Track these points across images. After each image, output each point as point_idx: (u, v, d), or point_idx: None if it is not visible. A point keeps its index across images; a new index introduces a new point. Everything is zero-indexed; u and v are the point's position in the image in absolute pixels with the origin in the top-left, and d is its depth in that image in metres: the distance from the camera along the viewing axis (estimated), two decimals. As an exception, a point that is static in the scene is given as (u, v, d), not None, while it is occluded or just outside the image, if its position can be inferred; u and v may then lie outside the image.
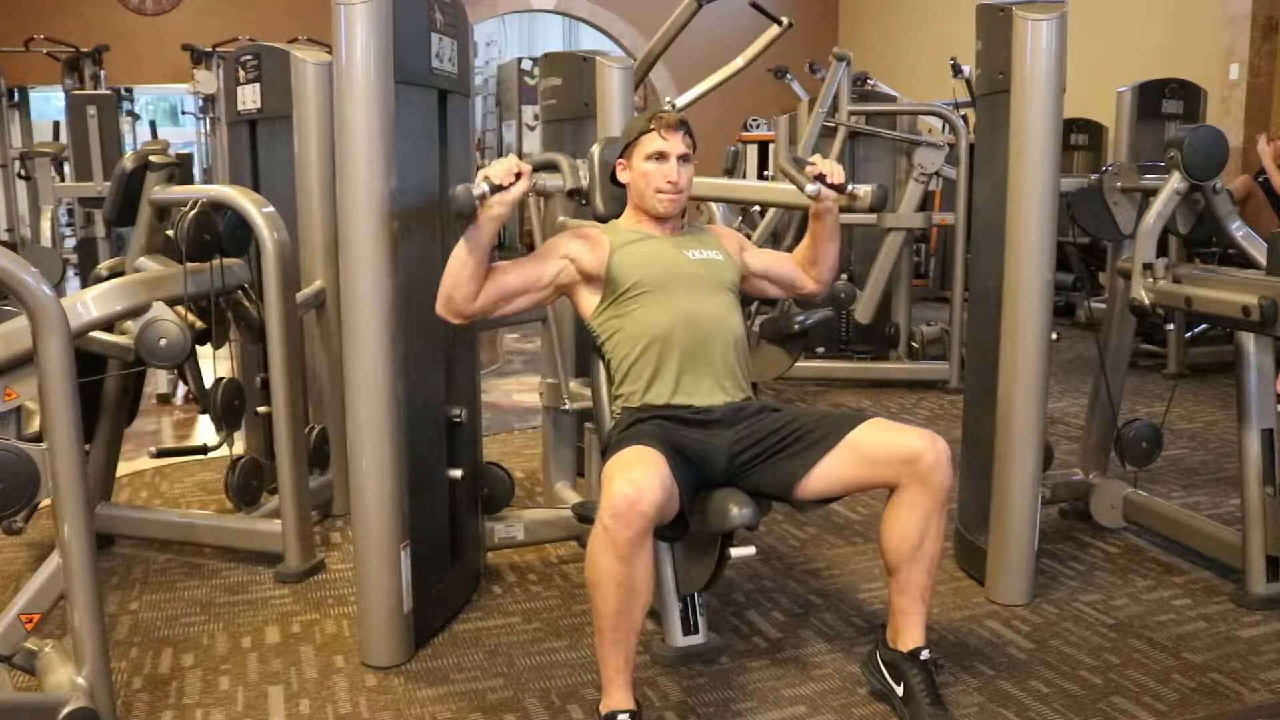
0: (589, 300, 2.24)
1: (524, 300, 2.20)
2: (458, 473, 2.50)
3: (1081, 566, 2.82)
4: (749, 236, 4.56)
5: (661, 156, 2.21)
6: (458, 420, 2.50)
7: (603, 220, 2.37)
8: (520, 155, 2.19)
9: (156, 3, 9.53)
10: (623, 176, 2.29)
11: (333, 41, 2.10)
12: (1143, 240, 2.65)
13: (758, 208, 5.34)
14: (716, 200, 3.58)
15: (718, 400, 2.14)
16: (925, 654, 2.02)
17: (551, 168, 2.32)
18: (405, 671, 2.25)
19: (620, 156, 2.29)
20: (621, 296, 2.18)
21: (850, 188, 2.22)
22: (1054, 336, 2.52)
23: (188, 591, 2.69)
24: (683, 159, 2.23)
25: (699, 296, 2.18)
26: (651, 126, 2.22)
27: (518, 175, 2.01)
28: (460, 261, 2.06)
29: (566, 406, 2.87)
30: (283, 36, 6.38)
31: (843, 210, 2.29)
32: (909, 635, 2.03)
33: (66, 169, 6.00)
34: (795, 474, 2.03)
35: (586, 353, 2.48)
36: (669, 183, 2.21)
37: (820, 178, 2.18)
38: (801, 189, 2.21)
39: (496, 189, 2.00)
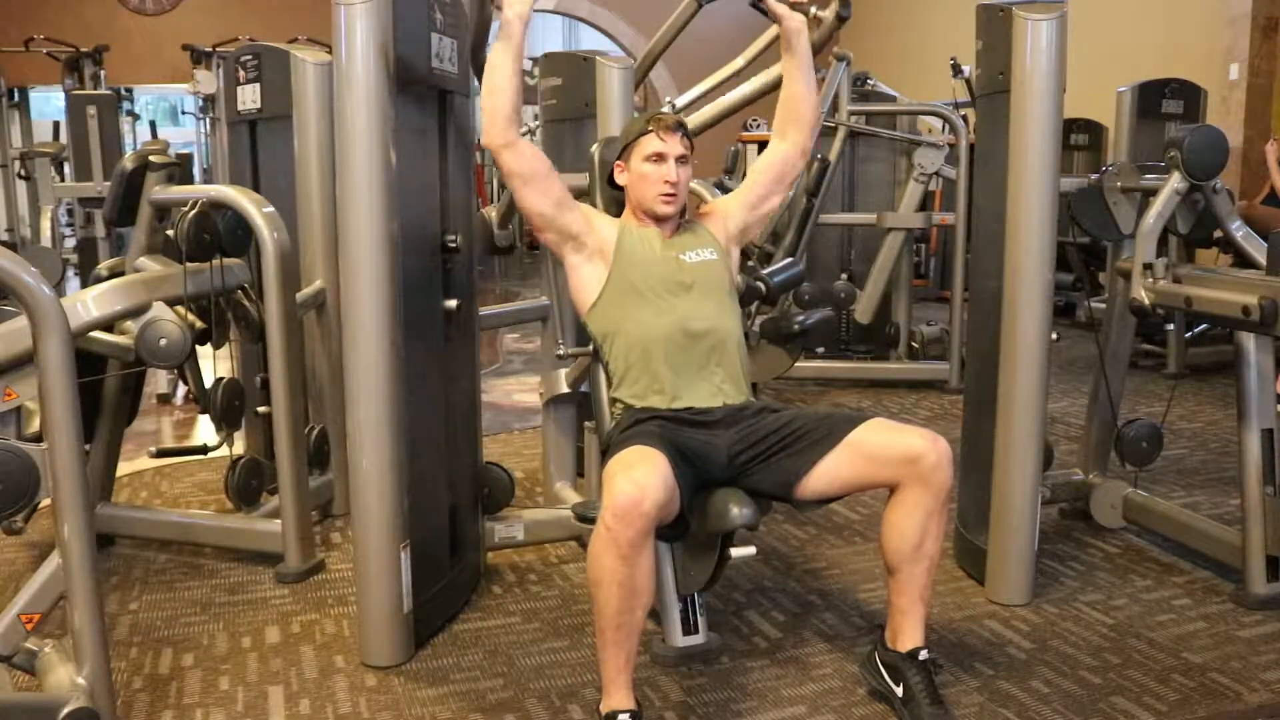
0: (588, 282, 2.23)
1: (541, 192, 2.17)
2: (453, 302, 2.46)
3: (1081, 566, 2.82)
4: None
5: (660, 158, 2.21)
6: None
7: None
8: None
9: (156, 3, 9.54)
10: (620, 178, 2.29)
11: (333, 41, 2.10)
12: (1143, 240, 2.65)
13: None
14: (711, 122, 3.54)
15: (717, 403, 2.14)
16: (924, 654, 2.02)
17: None
18: (405, 671, 2.25)
19: (618, 158, 2.29)
20: (619, 295, 2.19)
21: (813, 10, 2.22)
22: (1054, 336, 2.52)
23: (188, 591, 2.69)
24: (680, 160, 2.23)
25: (697, 300, 2.18)
26: (649, 128, 2.22)
27: None
28: (497, 70, 2.08)
29: (562, 351, 2.81)
30: (283, 36, 6.38)
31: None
32: (908, 636, 2.03)
33: (66, 169, 6.00)
34: (796, 474, 2.03)
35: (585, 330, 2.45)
36: (667, 183, 2.21)
37: None
38: (766, 14, 2.21)
39: None
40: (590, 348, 2.35)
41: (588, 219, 2.24)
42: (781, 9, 2.21)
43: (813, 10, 2.20)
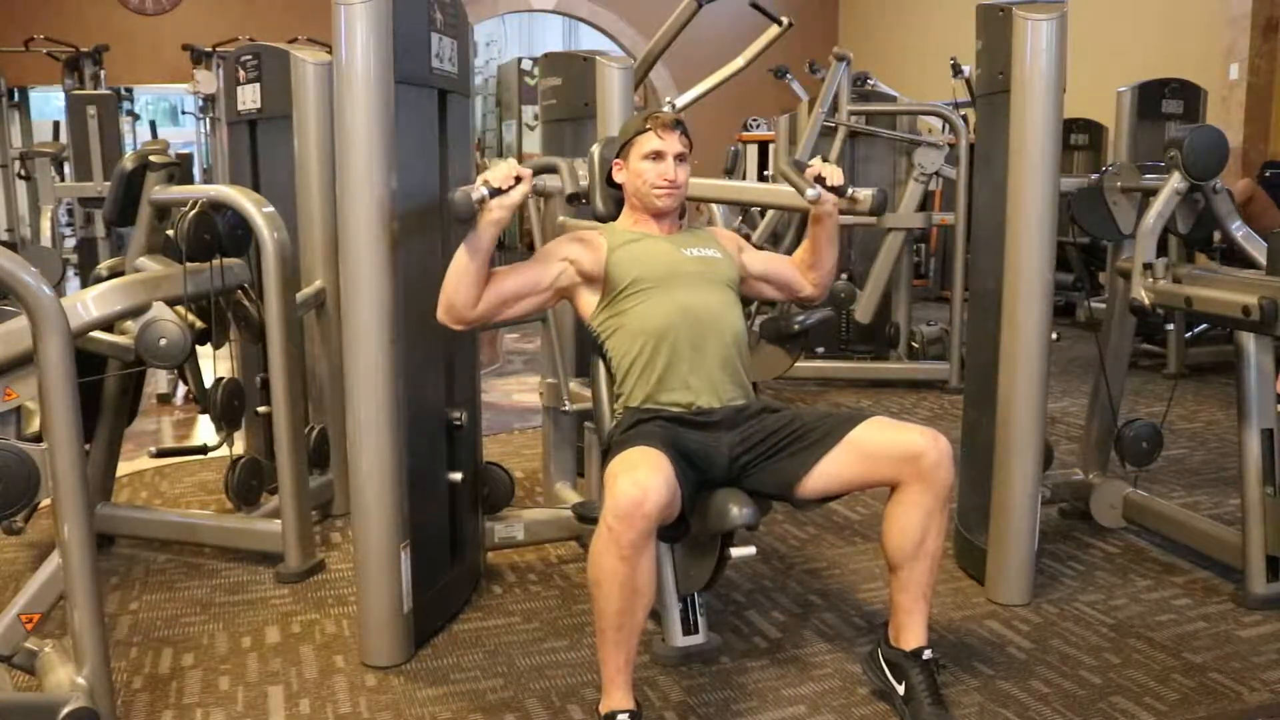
0: (589, 301, 2.24)
1: (525, 304, 2.19)
2: (458, 475, 2.50)
3: (1081, 566, 2.82)
4: (749, 237, 4.56)
5: (658, 156, 2.21)
6: (458, 423, 2.50)
7: (603, 220, 2.37)
8: (520, 155, 2.19)
9: (156, 3, 9.53)
10: (619, 177, 2.30)
11: (333, 41, 2.10)
12: (1143, 240, 2.65)
13: (757, 209, 5.33)
14: (716, 201, 3.58)
15: (718, 399, 2.14)
16: (927, 654, 2.02)
17: (551, 171, 2.32)
18: (405, 671, 2.25)
19: (617, 157, 2.29)
20: (620, 295, 2.18)
21: (850, 191, 2.22)
22: (1054, 336, 2.52)
23: (188, 591, 2.69)
24: (679, 158, 2.23)
25: (698, 292, 2.18)
26: (648, 126, 2.22)
27: (517, 179, 2.00)
28: (461, 267, 2.05)
29: (567, 408, 2.87)
30: (283, 36, 6.37)
31: (842, 212, 2.29)
32: (911, 634, 2.03)
33: (66, 169, 6.00)
34: (797, 473, 2.03)
35: (586, 353, 2.48)
36: (666, 180, 2.21)
37: (820, 180, 2.18)
38: (801, 193, 2.20)
39: (496, 192, 1.98)
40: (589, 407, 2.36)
41: (570, 258, 2.22)
42: (827, 196, 2.20)
43: (850, 190, 2.21)
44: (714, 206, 3.06)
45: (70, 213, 6.56)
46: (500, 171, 2.00)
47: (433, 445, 2.44)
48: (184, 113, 10.02)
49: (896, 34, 10.07)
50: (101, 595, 1.83)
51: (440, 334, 2.42)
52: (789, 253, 2.49)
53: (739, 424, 2.11)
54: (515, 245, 10.63)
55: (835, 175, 2.19)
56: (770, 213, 4.98)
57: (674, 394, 2.13)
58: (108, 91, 5.92)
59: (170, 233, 2.71)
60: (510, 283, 2.15)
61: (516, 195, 2.01)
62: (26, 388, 2.03)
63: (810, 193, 2.18)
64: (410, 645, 2.30)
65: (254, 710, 2.11)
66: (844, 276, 5.30)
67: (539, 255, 2.27)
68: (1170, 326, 4.88)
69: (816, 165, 2.21)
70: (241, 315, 2.85)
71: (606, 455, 2.08)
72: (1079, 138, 6.60)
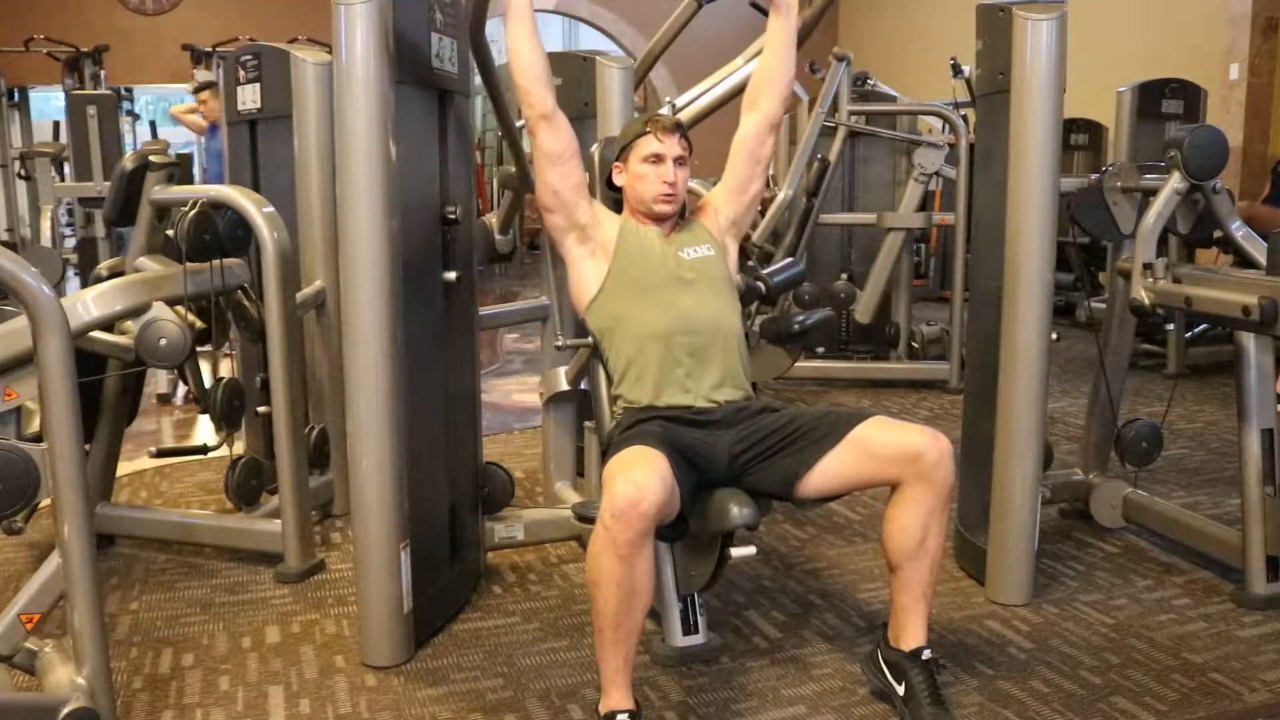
0: (588, 278, 2.23)
1: (564, 174, 2.18)
2: (453, 275, 2.45)
3: (1081, 566, 2.82)
4: (749, 237, 4.55)
5: (658, 159, 2.22)
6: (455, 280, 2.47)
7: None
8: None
9: (156, 3, 9.53)
10: (619, 179, 2.30)
11: (333, 41, 2.10)
12: (1143, 240, 2.65)
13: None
14: (705, 113, 3.53)
15: (718, 400, 2.14)
16: (927, 654, 2.02)
17: None
18: (405, 671, 2.25)
19: (616, 159, 2.30)
20: (619, 291, 2.19)
21: None
22: (1054, 336, 2.52)
23: (188, 591, 2.69)
24: (679, 161, 2.23)
25: (696, 295, 2.18)
26: (647, 129, 2.23)
27: None
28: (517, 40, 2.12)
29: (560, 342, 2.80)
30: (283, 36, 6.38)
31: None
32: (911, 634, 2.03)
33: (66, 169, 6.00)
34: (797, 472, 2.03)
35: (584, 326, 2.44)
36: (665, 184, 2.21)
37: None
38: None
39: None
40: (589, 339, 2.34)
41: (595, 213, 2.25)
42: None
43: None
44: (700, 187, 3.06)
45: (70, 213, 6.56)
46: None
47: (433, 446, 2.43)
48: (184, 113, 10.00)
49: (896, 34, 10.07)
50: (101, 595, 1.83)
51: (440, 334, 2.43)
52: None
53: (738, 422, 2.11)
54: (516, 246, 10.62)
55: None
56: (770, 211, 4.98)
57: (673, 397, 2.13)
58: (108, 91, 5.92)
59: (170, 233, 2.71)
60: (573, 141, 2.18)
61: None
62: (26, 388, 2.03)
63: None
64: (410, 645, 2.30)
65: (254, 710, 2.11)
66: (844, 276, 5.31)
67: None
68: (1170, 326, 4.88)
69: None
70: (241, 315, 2.85)
71: (605, 455, 2.08)
72: (1079, 138, 6.60)
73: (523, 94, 2.13)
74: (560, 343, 2.80)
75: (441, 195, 2.41)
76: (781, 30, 2.28)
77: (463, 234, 2.51)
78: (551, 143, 2.16)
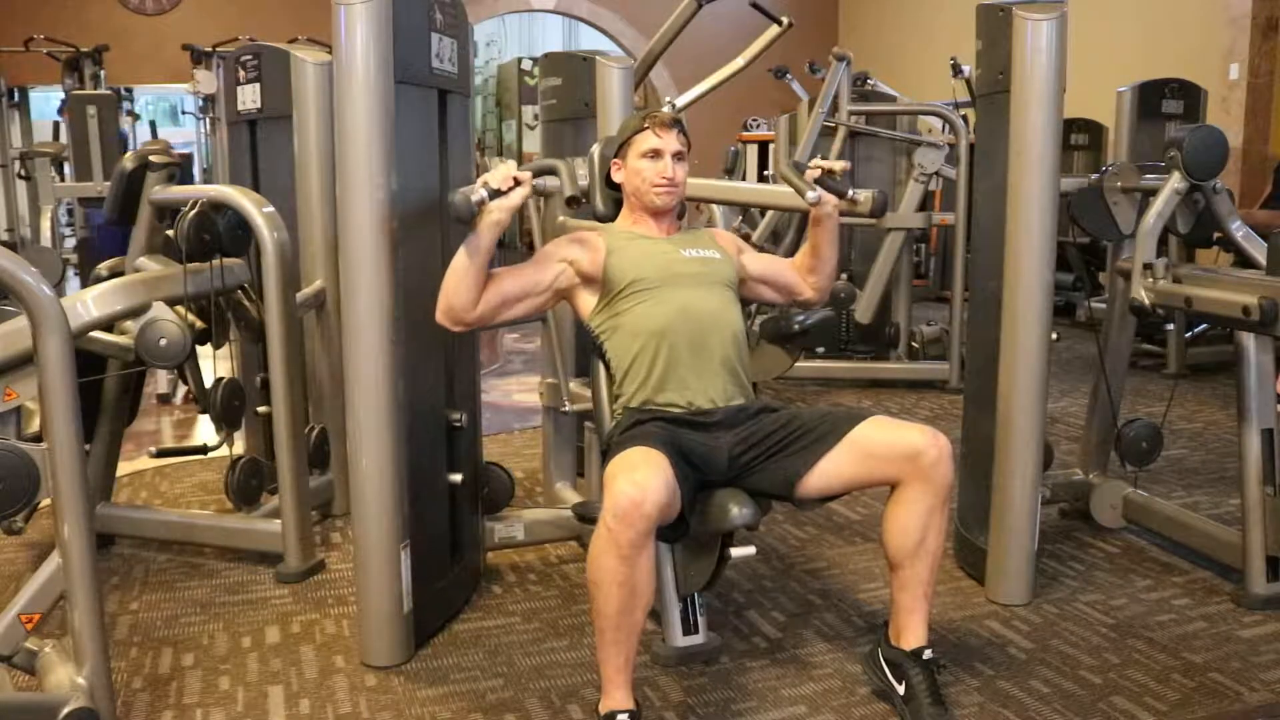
0: (587, 302, 2.24)
1: (524, 306, 2.19)
2: (458, 477, 2.49)
3: (1081, 566, 2.82)
4: (749, 236, 4.56)
5: (656, 154, 2.22)
6: (458, 424, 2.50)
7: (603, 220, 2.37)
8: (520, 155, 2.19)
9: (156, 3, 9.53)
10: (617, 176, 2.30)
11: (333, 41, 2.10)
12: (1143, 240, 2.65)
13: (756, 210, 5.33)
14: (716, 202, 3.58)
15: (718, 399, 2.14)
16: (928, 654, 2.02)
17: (551, 173, 2.32)
18: (405, 671, 2.25)
19: (615, 156, 2.29)
20: (619, 295, 2.18)
21: (851, 193, 2.22)
22: (1054, 336, 2.52)
23: (188, 591, 2.69)
24: (677, 157, 2.23)
25: (696, 292, 2.18)
26: (646, 125, 2.23)
27: (516, 182, 2.01)
28: (460, 269, 2.05)
29: (567, 408, 2.87)
30: (283, 36, 6.37)
31: (842, 213, 2.29)
32: (912, 634, 2.03)
33: (66, 169, 6.00)
34: (797, 472, 2.03)
35: (587, 353, 2.48)
36: (664, 178, 2.21)
37: (821, 181, 2.18)
38: (802, 195, 2.19)
39: (495, 194, 1.99)
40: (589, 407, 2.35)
41: (569, 259, 2.23)
42: (828, 198, 2.20)
43: (850, 193, 2.22)
44: (714, 206, 3.05)
45: (70, 213, 6.56)
46: (499, 174, 2.00)
47: (433, 445, 2.43)
48: (184, 113, 10.01)
49: (896, 34, 10.07)
50: (101, 595, 1.83)
51: (440, 334, 2.42)
52: (790, 253, 2.49)
53: (738, 424, 2.11)
54: (515, 245, 10.64)
55: (838, 167, 2.20)
56: (770, 212, 4.99)
57: (673, 394, 2.13)
58: (108, 91, 5.92)
59: (170, 233, 2.71)
60: (509, 284, 2.15)
61: (515, 198, 2.01)
62: (26, 388, 2.03)
63: (810, 195, 2.18)
64: (410, 645, 2.30)
65: (254, 710, 2.11)
66: (844, 276, 5.30)
67: (538, 257, 2.27)
68: (1170, 326, 4.88)
69: (818, 162, 2.21)
70: (241, 315, 2.85)
71: (606, 456, 2.08)
72: (1079, 138, 6.60)
73: (441, 309, 2.09)
74: (567, 408, 2.83)
75: (441, 195, 2.41)
76: (822, 242, 2.31)
77: (463, 233, 2.50)
78: (493, 318, 2.14)
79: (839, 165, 2.20)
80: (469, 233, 2.04)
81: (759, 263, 2.41)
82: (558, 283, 2.22)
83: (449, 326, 2.12)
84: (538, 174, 2.25)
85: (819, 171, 2.19)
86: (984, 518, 2.60)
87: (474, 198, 1.97)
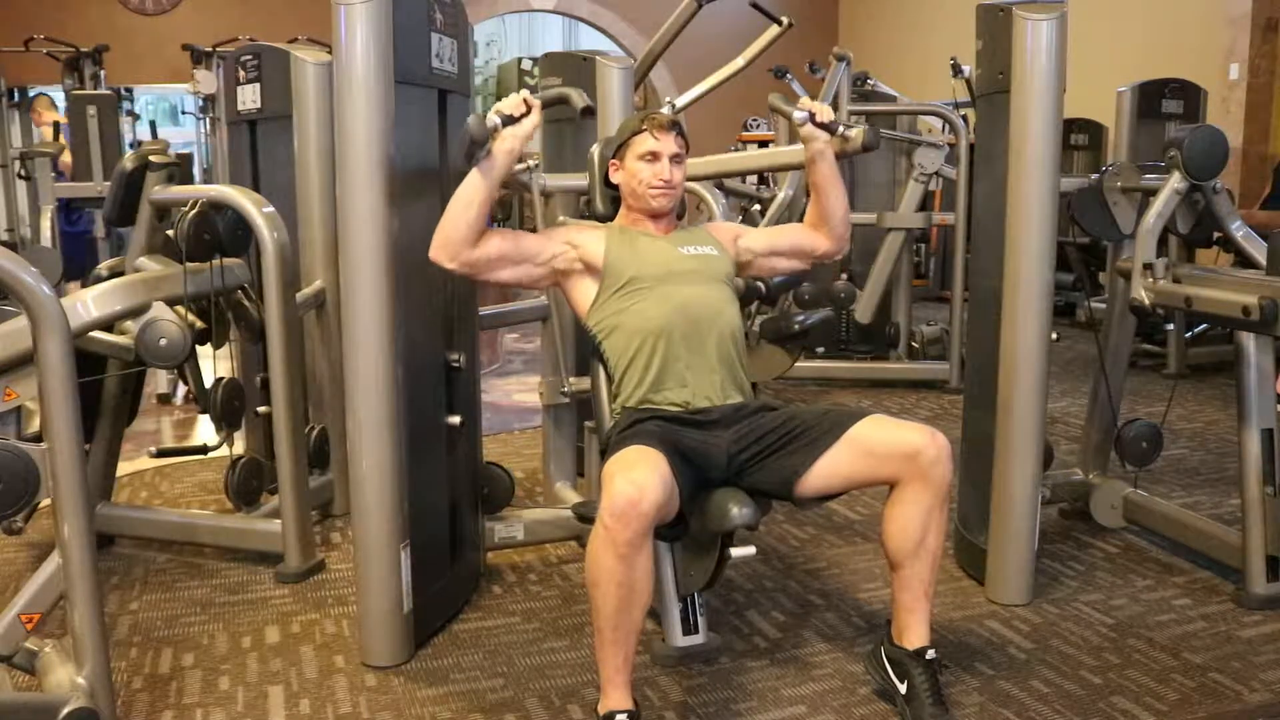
0: (585, 295, 2.24)
1: (519, 270, 2.18)
2: (456, 419, 2.47)
3: (1081, 566, 2.82)
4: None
5: (654, 156, 2.22)
6: (456, 364, 2.48)
7: (602, 220, 2.38)
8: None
9: (156, 3, 9.53)
10: (615, 177, 2.30)
11: (333, 41, 2.10)
12: (1143, 240, 2.65)
13: (757, 207, 5.33)
14: (718, 175, 3.54)
15: (715, 398, 2.14)
16: (931, 654, 2.02)
17: (561, 101, 2.33)
18: (405, 671, 2.25)
19: (613, 157, 2.30)
20: (617, 293, 2.19)
21: (840, 129, 2.22)
22: (1054, 336, 2.52)
23: (188, 591, 2.69)
24: (675, 159, 2.23)
25: (694, 289, 2.18)
26: (644, 127, 2.23)
27: (528, 108, 2.03)
28: (465, 199, 2.05)
29: (566, 389, 2.83)
30: (283, 36, 6.37)
31: (839, 157, 2.28)
32: (914, 633, 2.03)
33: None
34: (796, 471, 2.03)
35: (586, 352, 2.47)
36: (661, 180, 2.21)
37: (811, 119, 2.19)
38: (789, 117, 2.21)
39: (509, 121, 2.02)
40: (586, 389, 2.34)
41: (572, 243, 2.24)
42: (809, 129, 2.20)
43: (840, 129, 2.22)
44: (713, 203, 3.05)
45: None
46: (511, 101, 2.03)
47: (433, 446, 2.43)
48: (184, 113, 10.01)
49: (896, 34, 10.07)
50: (101, 595, 1.83)
51: (441, 334, 2.42)
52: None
53: (737, 422, 2.11)
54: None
55: (824, 113, 2.20)
56: (771, 210, 4.98)
57: (671, 392, 2.13)
58: (108, 91, 5.92)
59: (170, 233, 2.71)
60: (511, 244, 2.16)
61: (528, 124, 2.05)
62: (26, 388, 2.03)
63: (798, 115, 2.19)
64: (410, 645, 2.30)
65: (254, 710, 2.11)
66: (844, 276, 5.31)
67: (544, 231, 2.30)
68: (1170, 326, 4.88)
69: (806, 101, 2.23)
70: (241, 315, 2.85)
71: (604, 455, 2.08)
72: (1079, 138, 6.60)
73: (438, 241, 2.07)
74: (566, 389, 2.82)
75: (441, 195, 2.41)
76: (821, 182, 2.28)
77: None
78: (487, 270, 2.13)
79: (827, 110, 2.21)
80: (481, 162, 2.04)
81: (763, 238, 2.40)
82: (557, 261, 2.22)
83: (441, 262, 2.09)
84: (547, 103, 2.26)
85: (807, 106, 2.21)
86: (984, 518, 2.60)
87: (489, 123, 1.99)
